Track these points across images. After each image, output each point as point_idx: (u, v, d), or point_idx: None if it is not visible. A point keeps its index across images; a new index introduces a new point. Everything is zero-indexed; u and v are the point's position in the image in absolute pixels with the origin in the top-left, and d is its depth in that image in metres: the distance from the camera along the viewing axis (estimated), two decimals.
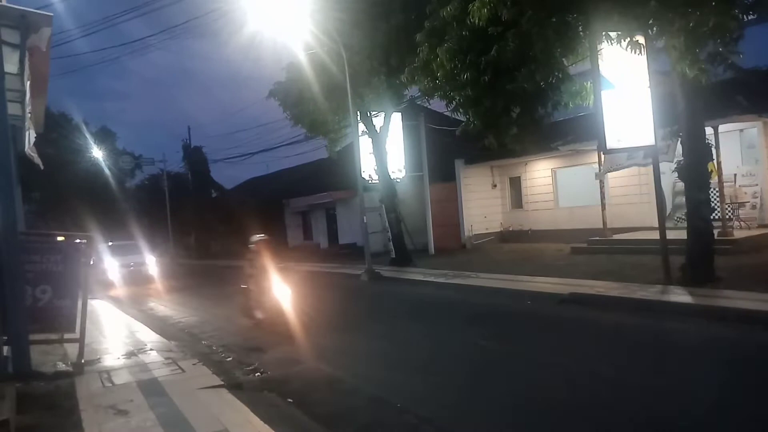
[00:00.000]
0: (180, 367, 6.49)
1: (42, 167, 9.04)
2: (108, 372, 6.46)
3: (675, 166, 10.19)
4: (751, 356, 6.01)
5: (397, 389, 5.57)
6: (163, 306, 13.86)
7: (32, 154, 8.62)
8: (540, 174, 19.99)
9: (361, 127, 17.90)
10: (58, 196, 35.59)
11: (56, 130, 33.80)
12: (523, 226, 20.45)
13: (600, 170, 15.52)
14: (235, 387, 5.69)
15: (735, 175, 14.37)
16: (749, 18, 8.54)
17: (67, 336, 6.77)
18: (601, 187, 15.72)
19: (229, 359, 7.16)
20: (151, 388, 5.68)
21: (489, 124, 10.56)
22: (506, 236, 20.81)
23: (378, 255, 19.14)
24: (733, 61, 8.74)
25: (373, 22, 14.37)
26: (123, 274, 18.73)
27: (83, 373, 6.37)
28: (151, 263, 19.87)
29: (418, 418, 4.73)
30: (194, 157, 38.09)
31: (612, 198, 16.53)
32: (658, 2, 8.17)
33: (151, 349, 7.67)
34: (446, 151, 20.11)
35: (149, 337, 8.73)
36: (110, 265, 18.69)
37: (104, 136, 40.39)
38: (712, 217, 9.98)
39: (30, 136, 8.00)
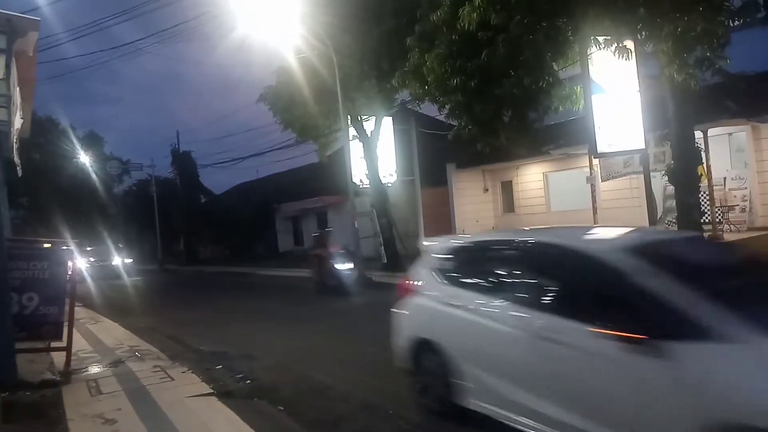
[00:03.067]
0: (169, 375, 6.40)
1: (19, 174, 8.91)
2: (96, 380, 6.36)
3: (665, 169, 10.26)
4: None
5: (388, 395, 5.52)
6: None
7: (17, 160, 8.53)
8: (532, 178, 20.04)
9: (352, 131, 17.89)
10: (46, 202, 35.25)
11: (43, 135, 33.50)
12: None
13: (591, 175, 15.58)
14: (224, 395, 5.61)
15: (724, 178, 14.48)
16: (736, 23, 8.63)
17: (54, 344, 6.67)
18: (593, 191, 15.77)
19: (218, 367, 7.07)
20: (139, 397, 5.60)
21: (480, 128, 10.58)
22: None
23: (369, 260, 19.07)
24: (720, 66, 8.83)
25: (363, 26, 14.39)
26: None
27: (70, 381, 6.27)
28: None
29: (410, 424, 4.69)
30: (183, 162, 37.84)
31: (603, 202, 16.58)
32: (647, 8, 8.24)
33: (139, 358, 7.57)
34: (438, 156, 20.12)
35: (138, 345, 8.62)
36: None
37: (92, 141, 40.05)
38: (702, 221, 10.05)
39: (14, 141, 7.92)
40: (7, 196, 9.61)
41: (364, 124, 18.22)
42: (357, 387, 5.84)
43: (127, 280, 24.28)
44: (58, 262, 6.65)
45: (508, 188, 21.16)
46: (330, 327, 10.09)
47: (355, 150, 18.11)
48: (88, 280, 21.47)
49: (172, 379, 6.26)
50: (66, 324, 6.65)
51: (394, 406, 5.14)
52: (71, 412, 5.20)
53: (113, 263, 27.12)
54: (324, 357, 7.59)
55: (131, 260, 30.80)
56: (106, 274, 24.54)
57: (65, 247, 6.92)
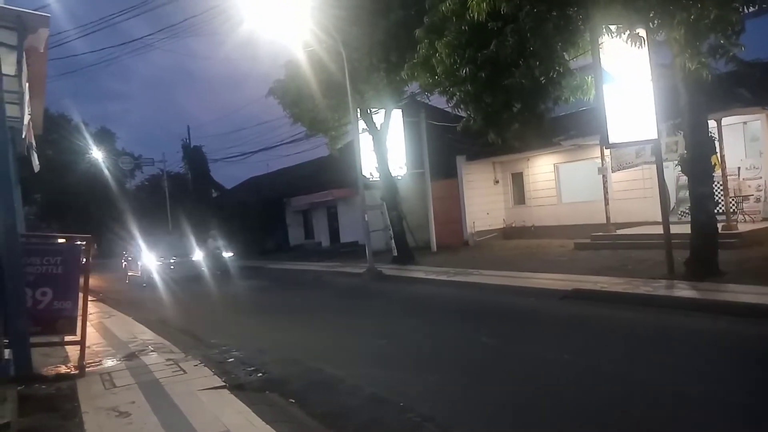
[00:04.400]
0: (181, 369, 6.46)
1: (36, 170, 9.01)
2: (109, 374, 6.44)
3: (678, 159, 10.14)
4: (757, 350, 5.96)
5: (398, 388, 5.53)
6: None
7: (33, 156, 8.62)
8: (542, 169, 19.91)
9: (362, 124, 17.83)
10: (59, 198, 35.62)
11: (56, 131, 33.79)
12: (525, 222, 20.39)
13: (602, 165, 15.46)
14: (236, 388, 5.65)
15: (738, 168, 14.29)
16: (750, 10, 8.47)
17: (68, 338, 6.75)
18: (604, 182, 15.65)
19: (230, 360, 7.13)
20: (152, 390, 5.65)
21: (490, 119, 10.50)
22: (509, 232, 20.75)
23: (380, 253, 19.09)
24: (734, 54, 8.68)
25: (372, 18, 14.32)
26: None
27: (85, 375, 6.35)
28: None
29: (419, 417, 4.69)
30: (194, 156, 38.05)
31: (615, 193, 16.46)
32: None
33: (152, 351, 7.64)
34: (447, 148, 20.04)
35: (151, 338, 8.70)
36: None
37: (104, 137, 40.43)
38: (715, 211, 9.93)
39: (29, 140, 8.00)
40: (21, 192, 9.73)
41: (374, 116, 18.16)
42: (367, 380, 5.83)
43: (208, 281, 17.82)
44: (72, 257, 6.71)
45: (518, 180, 21.05)
46: (341, 323, 10.01)
47: (365, 143, 18.05)
48: (157, 281, 17.18)
49: (185, 372, 6.32)
50: (80, 318, 6.72)
51: (404, 398, 5.14)
52: (86, 404, 5.27)
53: (193, 258, 19.80)
54: (335, 351, 7.60)
55: (232, 254, 22.74)
56: (185, 273, 18.48)
57: (80, 242, 6.95)
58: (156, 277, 17.64)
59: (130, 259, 20.86)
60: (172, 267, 18.64)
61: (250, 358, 7.11)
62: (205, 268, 19.21)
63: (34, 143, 8.58)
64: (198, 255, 19.96)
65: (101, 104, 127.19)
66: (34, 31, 6.28)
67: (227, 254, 21.90)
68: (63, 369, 6.68)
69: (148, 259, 18.71)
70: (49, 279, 6.47)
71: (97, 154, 35.69)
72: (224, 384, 5.76)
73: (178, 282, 17.26)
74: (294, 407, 5.17)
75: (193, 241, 21.51)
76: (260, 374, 6.33)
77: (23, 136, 7.97)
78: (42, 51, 6.76)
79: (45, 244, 7.00)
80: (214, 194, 41.12)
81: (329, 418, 4.81)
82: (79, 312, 6.70)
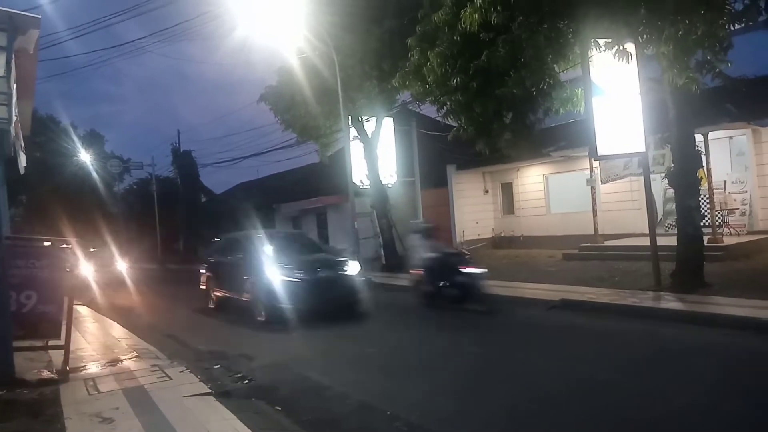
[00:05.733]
0: (167, 375, 6.39)
1: (22, 172, 8.93)
2: (93, 379, 6.35)
3: (665, 172, 10.25)
4: (740, 361, 6.01)
5: (386, 396, 5.52)
6: None
7: (20, 157, 8.53)
8: (532, 180, 20.04)
9: (353, 132, 17.87)
10: (46, 200, 35.24)
11: (44, 133, 33.49)
12: (515, 232, 20.48)
13: (591, 177, 15.59)
14: (222, 395, 5.60)
15: (725, 182, 14.47)
16: (737, 27, 8.61)
17: (52, 342, 6.66)
18: (593, 194, 15.77)
19: (216, 366, 7.06)
20: (137, 396, 5.59)
21: (480, 129, 10.56)
22: (498, 242, 20.82)
23: (369, 261, 19.05)
24: (721, 70, 8.81)
25: (365, 26, 14.38)
26: None
27: (68, 380, 6.27)
28: None
29: (407, 425, 4.67)
30: (183, 161, 37.81)
31: (603, 204, 16.58)
32: (648, 10, 8.22)
33: (137, 357, 7.56)
34: (438, 157, 20.11)
35: (136, 344, 8.61)
36: None
37: (92, 140, 40.12)
38: (702, 224, 10.04)
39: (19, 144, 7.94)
40: (7, 193, 9.61)
41: (365, 124, 18.20)
42: (355, 388, 5.81)
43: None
44: (57, 261, 6.63)
45: (508, 190, 21.16)
46: (329, 332, 9.90)
47: (356, 150, 18.08)
48: (286, 312, 9.56)
49: (170, 378, 6.26)
50: (64, 322, 6.64)
51: (393, 406, 5.13)
52: (69, 410, 5.20)
53: (346, 272, 10.83)
54: (323, 359, 7.57)
55: (477, 270, 9.90)
56: (331, 296, 10.17)
57: (65, 245, 6.88)
58: (286, 304, 9.70)
59: (217, 268, 12.55)
60: (308, 286, 10.02)
61: (237, 365, 7.05)
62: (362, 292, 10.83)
63: (22, 144, 8.50)
64: (354, 267, 11.17)
65: (92, 107, 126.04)
66: (24, 32, 6.26)
67: (470, 269, 10.01)
68: (46, 374, 6.60)
69: (271, 271, 10.24)
70: (33, 282, 6.39)
71: (85, 156, 35.41)
72: (210, 391, 5.70)
73: (325, 315, 9.82)
74: (281, 415, 5.12)
75: (341, 248, 14.05)
76: (247, 381, 6.27)
77: (19, 137, 7.90)
78: (32, 52, 6.73)
79: (30, 246, 6.91)
80: (203, 199, 40.89)
81: (316, 426, 4.78)
82: (64, 316, 6.64)
